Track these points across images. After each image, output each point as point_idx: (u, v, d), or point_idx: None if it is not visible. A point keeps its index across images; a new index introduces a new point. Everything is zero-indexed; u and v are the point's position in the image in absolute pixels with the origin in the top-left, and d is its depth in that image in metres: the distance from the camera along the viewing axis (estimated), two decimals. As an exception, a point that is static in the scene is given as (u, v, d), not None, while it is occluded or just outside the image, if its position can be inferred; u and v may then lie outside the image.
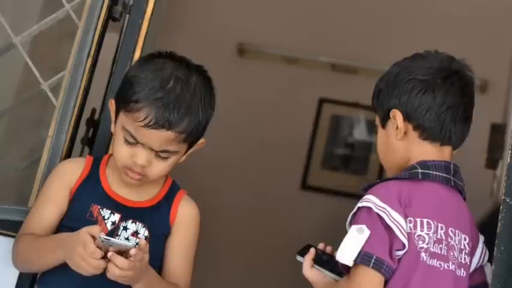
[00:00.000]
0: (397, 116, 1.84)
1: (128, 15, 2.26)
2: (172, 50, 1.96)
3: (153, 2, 2.25)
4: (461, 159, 1.90)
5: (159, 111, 1.82)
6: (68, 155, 2.15)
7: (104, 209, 1.91)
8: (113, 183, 1.95)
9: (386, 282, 1.68)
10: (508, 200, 1.71)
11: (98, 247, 1.71)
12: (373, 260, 1.67)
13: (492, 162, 3.46)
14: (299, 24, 4.23)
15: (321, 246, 1.90)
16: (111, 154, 1.97)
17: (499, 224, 1.70)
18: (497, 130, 3.46)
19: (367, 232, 1.69)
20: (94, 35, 2.18)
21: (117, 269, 1.71)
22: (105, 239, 1.71)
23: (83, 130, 2.27)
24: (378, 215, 1.70)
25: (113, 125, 1.93)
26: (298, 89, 4.25)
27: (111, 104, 1.94)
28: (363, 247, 1.68)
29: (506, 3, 3.92)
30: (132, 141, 1.85)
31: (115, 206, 1.92)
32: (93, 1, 2.19)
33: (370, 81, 2.03)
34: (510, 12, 3.85)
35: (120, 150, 1.87)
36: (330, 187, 4.17)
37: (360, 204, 1.74)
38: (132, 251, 1.71)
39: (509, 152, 1.74)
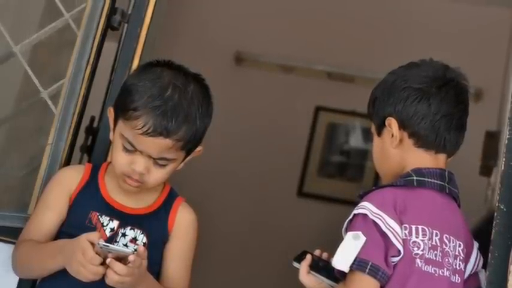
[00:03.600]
0: (392, 123, 1.85)
1: (126, 24, 2.27)
2: (170, 59, 1.97)
3: (151, 11, 2.26)
4: (456, 166, 1.91)
5: (157, 119, 1.82)
6: (67, 162, 2.15)
7: (103, 216, 1.92)
8: (112, 191, 1.95)
9: (382, 288, 1.70)
10: (502, 207, 1.72)
11: (96, 253, 1.72)
12: (368, 266, 1.67)
13: (486, 170, 3.47)
14: (296, 33, 4.25)
15: (317, 252, 1.91)
16: (110, 162, 1.97)
17: (493, 231, 1.71)
18: (492, 138, 3.47)
19: (363, 239, 1.70)
20: (93, 43, 2.19)
21: (116, 275, 1.72)
22: (104, 245, 1.71)
23: (82, 138, 2.27)
24: (374, 221, 1.71)
25: (111, 133, 1.94)
26: (294, 97, 4.26)
27: (110, 112, 1.95)
28: (358, 253, 1.69)
29: (500, 13, 3.95)
30: (131, 149, 1.86)
31: (114, 212, 1.93)
32: (92, 10, 2.20)
33: (366, 90, 2.04)
34: (504, 21, 3.87)
35: (119, 158, 1.88)
36: (326, 194, 4.18)
37: (355, 211, 1.75)
38: (131, 257, 1.72)
39: (503, 159, 1.74)
